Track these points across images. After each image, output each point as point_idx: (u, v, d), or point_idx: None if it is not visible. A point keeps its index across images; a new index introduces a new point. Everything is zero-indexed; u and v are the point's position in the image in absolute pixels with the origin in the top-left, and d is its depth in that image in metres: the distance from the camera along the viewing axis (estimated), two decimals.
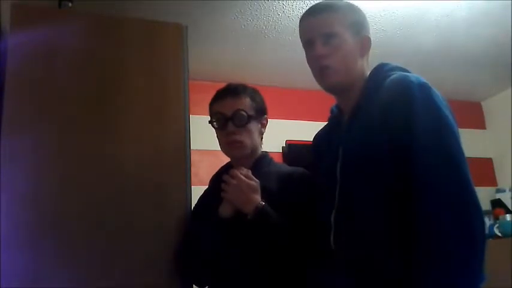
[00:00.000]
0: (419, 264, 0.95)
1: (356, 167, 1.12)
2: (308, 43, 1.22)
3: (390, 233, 1.04)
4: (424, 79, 1.11)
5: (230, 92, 1.45)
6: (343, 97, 1.26)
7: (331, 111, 1.36)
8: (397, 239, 1.02)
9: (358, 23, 1.22)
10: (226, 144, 1.44)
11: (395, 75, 1.15)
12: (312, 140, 1.42)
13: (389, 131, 1.06)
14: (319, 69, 1.20)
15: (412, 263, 0.96)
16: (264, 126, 1.50)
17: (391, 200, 1.05)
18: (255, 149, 1.46)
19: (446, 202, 0.96)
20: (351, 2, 1.26)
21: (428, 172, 1.00)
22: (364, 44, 1.22)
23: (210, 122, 1.47)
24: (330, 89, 1.24)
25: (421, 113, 1.04)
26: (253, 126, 1.44)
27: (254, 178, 1.34)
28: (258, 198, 1.31)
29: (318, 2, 1.26)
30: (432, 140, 1.02)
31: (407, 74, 1.15)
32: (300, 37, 1.26)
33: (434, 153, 1.00)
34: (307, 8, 1.25)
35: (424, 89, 1.08)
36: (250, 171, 1.36)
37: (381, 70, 1.21)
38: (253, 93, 1.48)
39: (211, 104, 1.48)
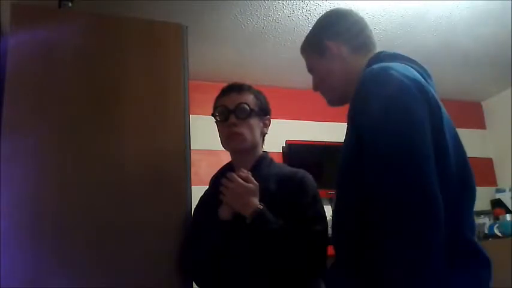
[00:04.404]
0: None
1: (339, 168, 1.12)
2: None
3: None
4: (388, 66, 1.05)
5: (235, 88, 1.49)
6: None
7: None
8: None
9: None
10: (227, 136, 1.45)
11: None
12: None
13: (354, 128, 1.05)
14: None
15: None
16: (266, 126, 1.51)
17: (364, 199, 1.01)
18: (255, 145, 1.47)
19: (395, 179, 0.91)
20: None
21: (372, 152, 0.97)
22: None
23: (212, 114, 1.49)
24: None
25: (368, 100, 1.01)
26: (255, 122, 1.45)
27: (253, 181, 1.34)
28: (256, 201, 1.31)
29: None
30: (377, 125, 0.97)
31: (379, 64, 1.09)
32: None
33: (377, 138, 0.97)
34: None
35: (374, 75, 1.03)
36: (250, 173, 1.36)
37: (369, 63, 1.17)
38: (258, 93, 1.52)
39: (216, 100, 1.51)
